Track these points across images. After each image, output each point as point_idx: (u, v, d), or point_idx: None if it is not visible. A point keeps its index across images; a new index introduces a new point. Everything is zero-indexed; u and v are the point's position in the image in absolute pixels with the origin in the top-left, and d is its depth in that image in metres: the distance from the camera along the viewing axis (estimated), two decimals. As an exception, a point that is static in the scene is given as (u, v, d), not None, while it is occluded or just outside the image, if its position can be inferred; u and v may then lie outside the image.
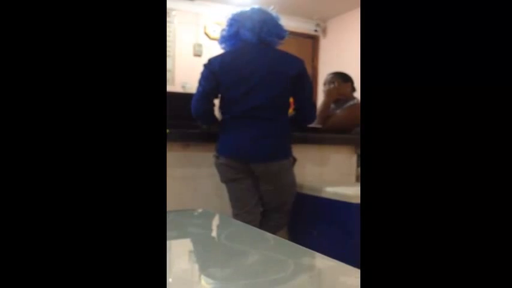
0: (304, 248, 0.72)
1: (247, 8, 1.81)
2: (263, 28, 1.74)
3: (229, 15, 1.82)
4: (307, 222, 1.94)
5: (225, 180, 1.77)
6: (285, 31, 1.83)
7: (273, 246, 0.80)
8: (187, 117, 1.91)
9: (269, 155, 1.71)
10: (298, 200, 1.85)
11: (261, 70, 1.68)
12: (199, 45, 4.54)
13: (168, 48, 4.10)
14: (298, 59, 1.81)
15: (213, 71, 1.71)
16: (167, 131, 1.64)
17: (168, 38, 4.14)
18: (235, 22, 1.77)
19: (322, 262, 0.68)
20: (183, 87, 4.34)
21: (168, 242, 0.81)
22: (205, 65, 1.75)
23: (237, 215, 1.74)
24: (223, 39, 1.82)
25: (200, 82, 1.75)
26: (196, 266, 0.70)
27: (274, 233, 0.88)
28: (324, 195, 1.82)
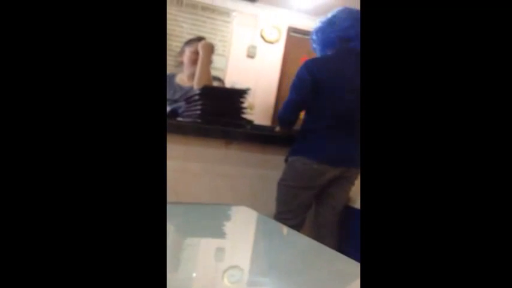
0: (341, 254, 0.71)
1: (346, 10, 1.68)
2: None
3: (330, 15, 1.71)
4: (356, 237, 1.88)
5: (303, 185, 1.67)
6: None
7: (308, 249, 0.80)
8: (230, 115, 1.93)
9: (357, 162, 1.70)
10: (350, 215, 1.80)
11: (354, 81, 1.62)
12: (254, 47, 4.59)
13: (223, 48, 4.20)
14: None
15: (316, 77, 1.62)
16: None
17: (224, 39, 4.23)
18: (335, 25, 1.68)
19: (355, 267, 0.68)
20: (232, 86, 4.41)
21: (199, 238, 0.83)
22: (305, 68, 1.65)
23: (287, 219, 1.65)
24: (319, 42, 1.73)
25: (296, 89, 1.67)
26: (225, 261, 0.72)
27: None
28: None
